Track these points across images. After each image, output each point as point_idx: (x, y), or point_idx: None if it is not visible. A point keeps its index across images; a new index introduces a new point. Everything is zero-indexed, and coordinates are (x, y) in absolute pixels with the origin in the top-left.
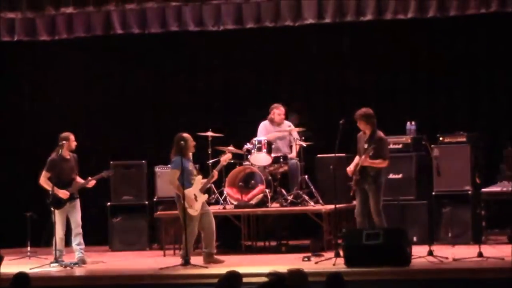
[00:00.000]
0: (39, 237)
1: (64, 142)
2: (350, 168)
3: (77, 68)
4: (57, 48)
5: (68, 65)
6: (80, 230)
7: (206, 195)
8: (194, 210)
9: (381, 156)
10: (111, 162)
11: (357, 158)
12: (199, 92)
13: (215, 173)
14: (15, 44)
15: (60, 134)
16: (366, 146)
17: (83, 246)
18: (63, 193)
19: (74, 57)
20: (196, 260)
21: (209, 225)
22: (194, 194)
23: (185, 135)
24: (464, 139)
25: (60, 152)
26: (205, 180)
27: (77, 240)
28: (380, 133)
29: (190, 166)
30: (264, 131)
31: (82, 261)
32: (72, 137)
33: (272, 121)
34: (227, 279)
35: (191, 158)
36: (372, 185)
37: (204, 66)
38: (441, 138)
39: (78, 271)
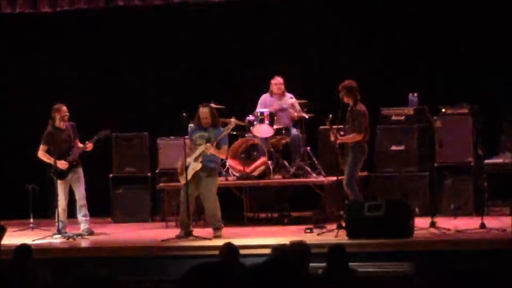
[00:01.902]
0: (43, 209)
1: (55, 113)
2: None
3: (78, 40)
4: (59, 20)
5: (69, 37)
6: (85, 202)
7: (200, 164)
8: (183, 177)
9: (355, 130)
10: (113, 134)
11: None
12: (201, 63)
13: (207, 147)
14: (16, 16)
15: (54, 105)
16: (347, 118)
17: (88, 218)
18: (61, 164)
19: (75, 29)
20: (198, 232)
21: (207, 203)
22: (189, 163)
23: (200, 107)
24: (466, 111)
25: (53, 124)
26: (202, 148)
27: (82, 212)
28: (359, 106)
29: (197, 135)
30: (263, 103)
31: (89, 232)
32: (63, 108)
33: (271, 93)
34: (224, 251)
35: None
36: (348, 156)
37: (206, 38)
38: (443, 110)
39: (81, 243)
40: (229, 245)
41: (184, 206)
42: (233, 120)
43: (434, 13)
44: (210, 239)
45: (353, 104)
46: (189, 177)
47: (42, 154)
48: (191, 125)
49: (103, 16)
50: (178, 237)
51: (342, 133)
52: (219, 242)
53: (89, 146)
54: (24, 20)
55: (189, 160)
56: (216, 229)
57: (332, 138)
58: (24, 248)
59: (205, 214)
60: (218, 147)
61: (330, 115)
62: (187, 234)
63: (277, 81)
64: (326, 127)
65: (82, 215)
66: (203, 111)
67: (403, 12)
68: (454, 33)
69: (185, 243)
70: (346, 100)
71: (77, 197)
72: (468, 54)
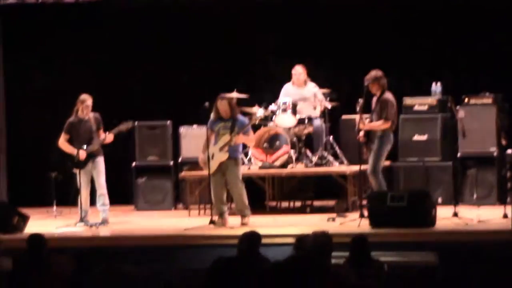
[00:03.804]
0: (67, 197)
1: (79, 103)
2: (361, 134)
3: (101, 29)
4: (82, 10)
5: (92, 26)
6: (104, 191)
7: (226, 154)
8: (207, 168)
9: (383, 117)
10: (136, 122)
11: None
12: (223, 52)
13: (236, 138)
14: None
15: (80, 95)
16: (373, 107)
17: (107, 207)
18: (80, 154)
19: (98, 18)
20: (232, 220)
21: (235, 191)
22: (213, 153)
23: (218, 99)
24: (490, 101)
25: (76, 114)
26: (227, 138)
27: (101, 201)
28: (387, 94)
29: (220, 126)
30: (285, 93)
31: (105, 221)
32: (88, 98)
33: (293, 83)
34: (246, 239)
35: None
36: (375, 144)
37: (228, 26)
38: (466, 100)
39: (103, 231)
40: (248, 236)
41: (213, 195)
42: (260, 109)
43: (459, 2)
44: (232, 227)
45: (381, 93)
46: (215, 167)
47: (62, 143)
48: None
49: (126, 5)
50: (215, 224)
51: (368, 121)
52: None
53: (109, 138)
54: (47, 10)
55: (213, 150)
56: (244, 216)
57: (361, 125)
58: (36, 237)
59: (234, 203)
60: (245, 134)
61: (361, 100)
62: (213, 222)
63: (296, 71)
64: (349, 116)
65: (100, 204)
66: (222, 103)
67: (427, 1)
68: (479, 22)
69: (208, 232)
70: (373, 90)
71: (96, 186)
72: (492, 43)
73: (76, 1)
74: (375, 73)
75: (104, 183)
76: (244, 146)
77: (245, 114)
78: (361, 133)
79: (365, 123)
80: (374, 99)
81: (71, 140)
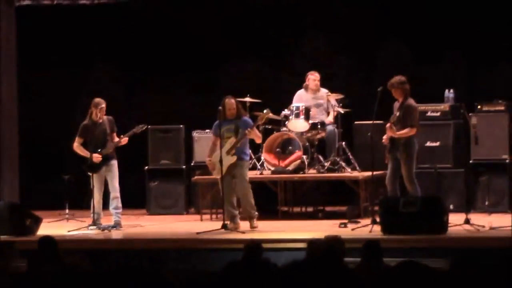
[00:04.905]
0: (79, 200)
1: (93, 107)
2: (384, 137)
3: (115, 32)
4: (96, 13)
5: (106, 29)
6: (117, 194)
7: (234, 157)
8: (216, 173)
9: (407, 124)
10: (149, 126)
11: None
12: (237, 57)
13: (249, 131)
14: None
15: (94, 99)
16: (397, 114)
17: (119, 210)
18: (95, 157)
19: (112, 21)
20: (243, 224)
21: (241, 191)
22: (221, 157)
23: (226, 98)
24: (503, 108)
25: (90, 117)
26: (233, 141)
27: (113, 204)
28: (410, 101)
29: (224, 129)
30: (298, 99)
31: (118, 225)
32: (101, 102)
33: (306, 88)
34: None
35: (235, 118)
36: (403, 152)
37: (242, 31)
38: (479, 106)
39: (115, 234)
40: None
41: (224, 199)
42: (266, 111)
43: (473, 8)
44: (244, 232)
45: (404, 99)
46: (224, 171)
47: (77, 146)
48: None
49: (139, 7)
50: (226, 229)
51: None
52: (254, 236)
53: (124, 140)
54: (62, 12)
55: (221, 154)
56: (252, 218)
57: (391, 133)
58: (47, 240)
59: (241, 205)
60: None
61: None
62: (225, 226)
63: (316, 77)
64: (362, 122)
65: (113, 207)
66: (229, 102)
67: (441, 6)
68: (492, 29)
69: (220, 236)
70: (396, 95)
71: (110, 189)
72: (505, 50)
73: (92, 3)
74: (399, 78)
75: (117, 186)
76: (257, 151)
77: (253, 118)
78: (385, 137)
79: (395, 131)
80: (396, 105)
81: (85, 144)
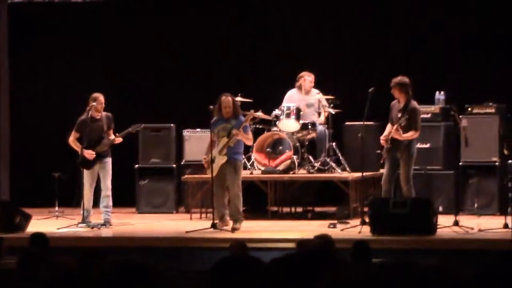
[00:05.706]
0: (69, 198)
1: (91, 102)
2: (383, 137)
3: (108, 30)
4: (88, 10)
5: (99, 27)
6: (108, 193)
7: (225, 157)
8: (209, 172)
9: (413, 127)
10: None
11: (389, 127)
12: (229, 57)
13: (236, 132)
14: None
15: (91, 94)
16: (399, 115)
17: (110, 209)
18: (89, 154)
19: (105, 19)
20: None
21: (231, 194)
22: (214, 156)
23: (222, 96)
24: (493, 110)
25: (89, 113)
26: (225, 141)
27: (104, 202)
28: (414, 103)
29: (220, 128)
30: (289, 99)
31: (107, 223)
32: (100, 98)
33: (300, 89)
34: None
35: (231, 117)
36: (404, 153)
37: (234, 31)
38: (469, 109)
39: (105, 232)
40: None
41: (214, 198)
42: (252, 111)
43: (463, 10)
44: (233, 231)
45: (406, 100)
46: (215, 170)
47: (72, 140)
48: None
49: (133, 6)
50: (215, 227)
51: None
52: (243, 235)
53: (118, 139)
54: (54, 9)
55: (214, 153)
56: (236, 221)
57: (397, 136)
58: (39, 236)
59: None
60: (245, 132)
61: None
62: (214, 225)
63: (312, 78)
64: (352, 123)
65: (103, 205)
66: (226, 100)
67: (432, 9)
68: (483, 32)
69: (209, 235)
70: (397, 96)
71: (102, 187)
72: (496, 53)
73: (84, 1)
74: (401, 78)
75: (110, 185)
76: (247, 151)
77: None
78: (383, 137)
79: (401, 134)
80: (396, 105)
81: (81, 139)
